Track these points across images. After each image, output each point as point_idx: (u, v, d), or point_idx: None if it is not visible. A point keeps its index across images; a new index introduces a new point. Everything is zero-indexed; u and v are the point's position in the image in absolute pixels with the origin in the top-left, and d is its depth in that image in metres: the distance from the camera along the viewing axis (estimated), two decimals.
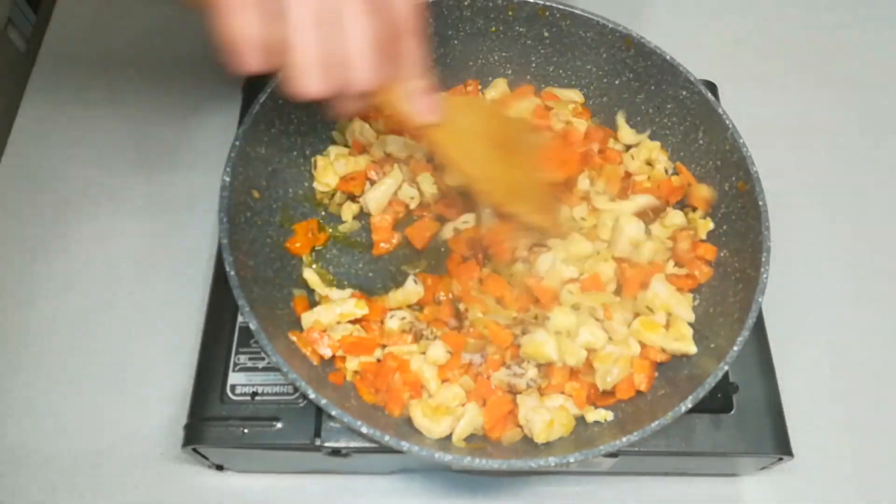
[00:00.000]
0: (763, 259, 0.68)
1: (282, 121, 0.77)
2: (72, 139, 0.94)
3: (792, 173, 0.97)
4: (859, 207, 0.97)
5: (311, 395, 0.61)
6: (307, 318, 0.71)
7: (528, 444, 0.67)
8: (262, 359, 0.71)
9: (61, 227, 0.88)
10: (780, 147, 0.99)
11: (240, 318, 0.72)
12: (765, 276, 0.67)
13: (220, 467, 0.75)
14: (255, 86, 0.85)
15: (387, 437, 0.60)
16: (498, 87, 0.86)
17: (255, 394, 0.69)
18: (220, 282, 0.75)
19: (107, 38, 1.02)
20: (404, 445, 0.60)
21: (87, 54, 1.01)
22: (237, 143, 0.71)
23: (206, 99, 0.97)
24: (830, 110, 1.04)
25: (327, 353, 0.69)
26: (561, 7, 0.81)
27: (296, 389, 0.69)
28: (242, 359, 0.71)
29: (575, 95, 0.86)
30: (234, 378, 0.69)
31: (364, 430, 0.60)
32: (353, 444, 0.66)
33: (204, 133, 0.94)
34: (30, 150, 0.93)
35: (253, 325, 0.62)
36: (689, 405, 0.62)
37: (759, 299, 0.66)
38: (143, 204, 0.90)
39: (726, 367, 0.64)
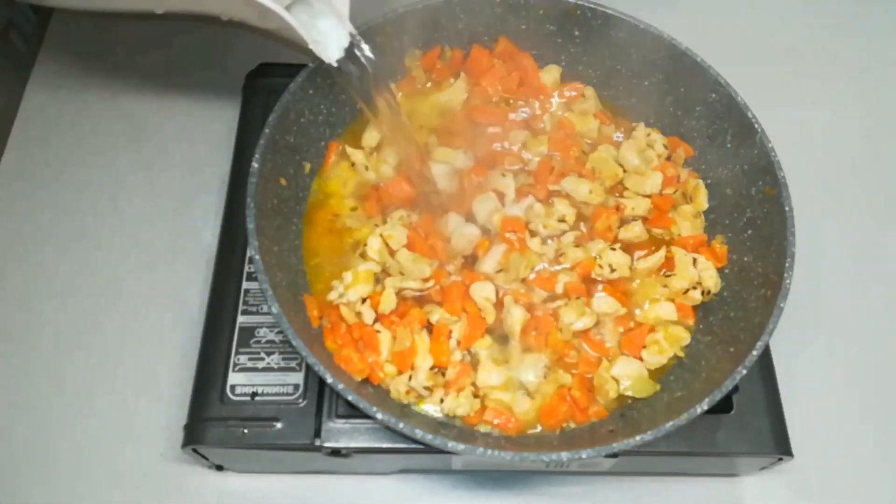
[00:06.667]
0: (787, 265, 0.67)
1: (311, 111, 0.77)
2: (72, 139, 0.94)
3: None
4: (859, 207, 0.97)
5: (329, 380, 0.61)
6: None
7: (536, 441, 0.68)
8: (262, 359, 0.71)
9: (61, 228, 0.88)
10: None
11: (240, 319, 0.73)
12: (788, 281, 0.67)
13: (220, 467, 0.75)
14: (256, 86, 0.86)
15: (402, 425, 0.59)
16: (552, 73, 0.86)
17: (254, 394, 0.69)
18: (219, 282, 0.75)
19: (107, 38, 1.02)
20: (418, 433, 0.59)
21: (87, 54, 1.01)
22: (267, 130, 0.71)
23: (206, 99, 0.97)
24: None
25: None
26: (593, 6, 0.80)
27: (296, 389, 0.69)
28: (242, 359, 0.71)
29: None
30: (233, 378, 0.70)
31: (379, 416, 0.60)
32: (353, 445, 0.66)
33: (204, 133, 0.94)
34: (30, 150, 0.93)
35: (275, 310, 0.62)
36: (706, 407, 0.62)
37: (782, 304, 0.66)
38: (143, 205, 0.90)
39: (744, 371, 0.63)
